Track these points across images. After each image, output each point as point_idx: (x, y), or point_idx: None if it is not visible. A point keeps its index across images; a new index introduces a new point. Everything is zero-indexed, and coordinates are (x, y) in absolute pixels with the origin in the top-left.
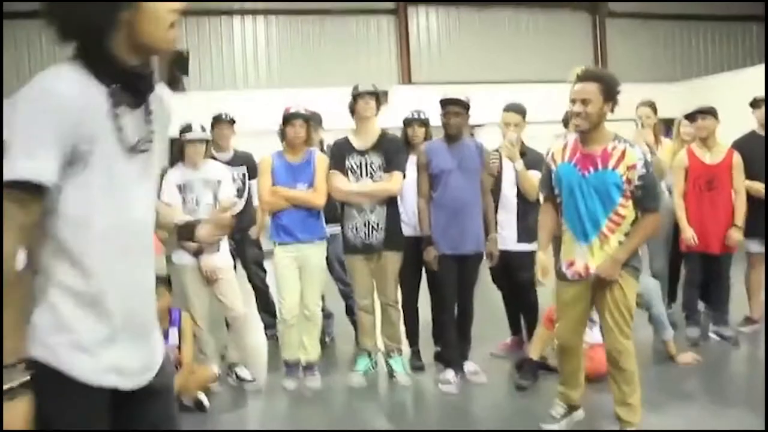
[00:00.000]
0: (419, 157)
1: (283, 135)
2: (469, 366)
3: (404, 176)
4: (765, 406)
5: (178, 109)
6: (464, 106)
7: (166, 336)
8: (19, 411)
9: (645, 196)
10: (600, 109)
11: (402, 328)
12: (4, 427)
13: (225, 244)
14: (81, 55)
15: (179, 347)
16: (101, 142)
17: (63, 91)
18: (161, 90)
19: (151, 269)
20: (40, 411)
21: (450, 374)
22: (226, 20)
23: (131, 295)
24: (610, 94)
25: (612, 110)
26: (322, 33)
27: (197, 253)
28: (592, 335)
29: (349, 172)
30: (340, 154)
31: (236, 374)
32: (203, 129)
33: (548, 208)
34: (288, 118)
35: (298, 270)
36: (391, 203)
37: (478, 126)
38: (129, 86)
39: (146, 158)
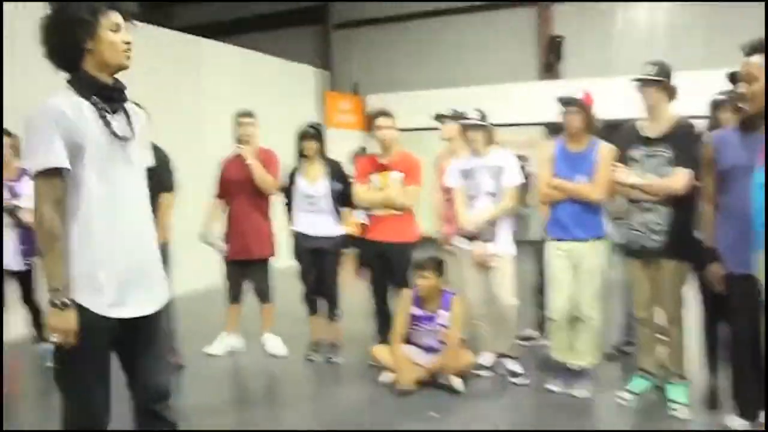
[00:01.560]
0: (704, 149)
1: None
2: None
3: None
4: (765, 405)
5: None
6: None
7: (432, 318)
8: (71, 316)
9: None
10: None
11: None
12: (61, 325)
13: (507, 233)
14: (69, 81)
15: (448, 328)
16: (90, 134)
17: (57, 106)
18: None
19: (145, 230)
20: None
21: (739, 422)
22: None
23: (126, 249)
24: None
25: None
26: None
27: (473, 239)
28: None
29: (632, 164)
30: (623, 142)
31: (506, 366)
32: (483, 116)
33: None
34: (563, 104)
35: (572, 269)
36: (678, 204)
37: None
38: (105, 96)
39: (129, 147)
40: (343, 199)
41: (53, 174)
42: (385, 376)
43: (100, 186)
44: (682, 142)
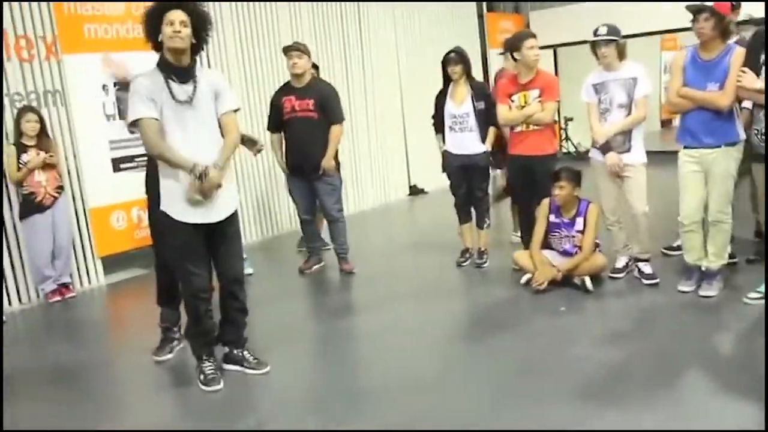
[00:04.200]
0: None
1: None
2: None
3: None
4: (765, 405)
5: None
6: None
7: (569, 224)
8: (220, 174)
9: None
10: None
11: None
12: (207, 186)
13: (639, 143)
14: (157, 62)
15: (582, 233)
16: (165, 99)
17: (143, 80)
18: (208, 74)
19: (211, 161)
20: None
21: None
22: None
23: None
24: None
25: None
26: None
27: (606, 150)
28: None
29: (764, 69)
30: (757, 47)
31: (639, 269)
32: (610, 32)
33: None
34: (693, 10)
35: (702, 174)
36: None
37: None
38: (176, 73)
39: (193, 107)
40: (487, 117)
41: (148, 120)
42: (525, 278)
43: (175, 131)
44: None
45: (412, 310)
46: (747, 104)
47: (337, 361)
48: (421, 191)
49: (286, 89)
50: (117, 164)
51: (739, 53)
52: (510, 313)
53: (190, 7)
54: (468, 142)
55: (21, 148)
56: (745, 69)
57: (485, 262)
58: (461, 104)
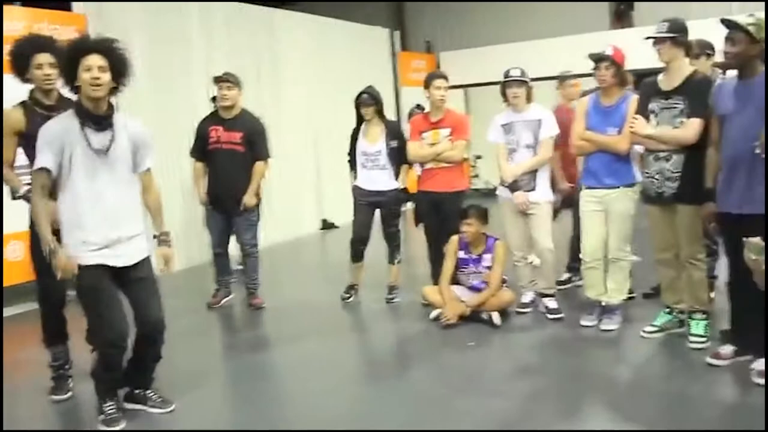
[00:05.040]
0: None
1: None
2: None
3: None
4: (765, 405)
5: None
6: None
7: (477, 261)
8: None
9: None
10: None
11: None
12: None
13: (545, 182)
14: (74, 106)
15: (490, 269)
16: (78, 146)
17: (52, 125)
18: (125, 121)
19: (119, 211)
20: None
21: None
22: None
23: (103, 224)
24: None
25: None
26: None
27: (513, 189)
28: None
29: (651, 116)
30: (644, 95)
31: (544, 304)
32: (522, 74)
33: None
34: (594, 60)
35: (603, 213)
36: (692, 151)
37: None
38: (93, 120)
39: (108, 157)
40: (399, 156)
41: (43, 171)
42: (434, 313)
43: (83, 180)
44: (693, 93)
45: (322, 345)
46: (639, 148)
47: (245, 400)
48: (333, 225)
49: (213, 119)
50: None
51: (633, 100)
52: (419, 348)
53: (110, 51)
54: (380, 178)
55: None
56: (637, 116)
57: (395, 297)
58: (374, 143)
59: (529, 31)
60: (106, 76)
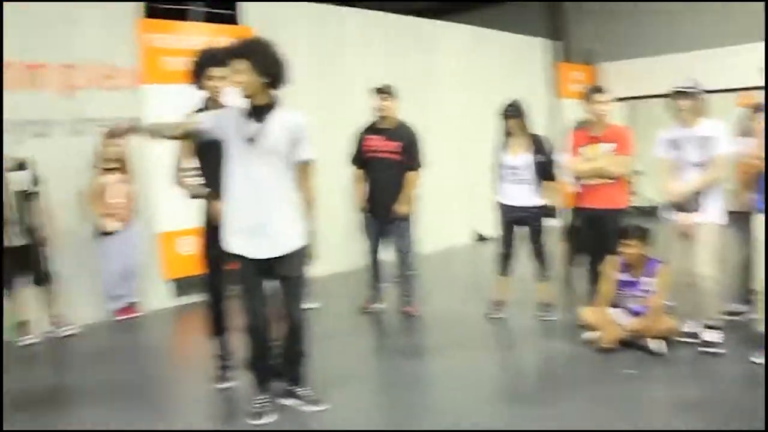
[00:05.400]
0: None
1: None
2: None
3: None
4: (765, 406)
5: None
6: None
7: (637, 284)
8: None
9: None
10: None
11: None
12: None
13: (715, 204)
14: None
15: (652, 294)
16: (233, 134)
17: (221, 111)
18: (283, 113)
19: (270, 199)
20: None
21: None
22: None
23: (249, 213)
24: None
25: None
26: None
27: (679, 209)
28: None
29: None
30: None
31: (705, 335)
32: (691, 84)
33: None
34: None
35: None
36: None
37: None
38: (250, 112)
39: (259, 146)
40: (543, 171)
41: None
42: (589, 334)
43: (238, 167)
44: None
45: (470, 358)
46: None
47: (391, 406)
48: (485, 237)
49: (372, 128)
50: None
51: None
52: (571, 371)
53: (248, 53)
54: (521, 194)
55: (102, 171)
56: None
57: (548, 315)
58: (517, 156)
59: (699, 40)
60: (247, 79)
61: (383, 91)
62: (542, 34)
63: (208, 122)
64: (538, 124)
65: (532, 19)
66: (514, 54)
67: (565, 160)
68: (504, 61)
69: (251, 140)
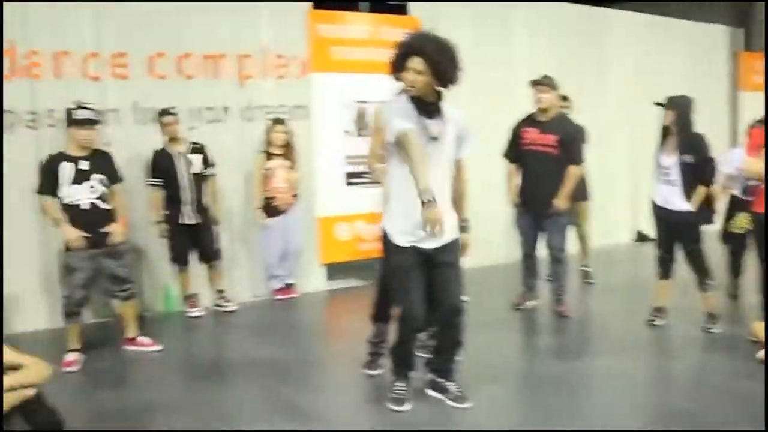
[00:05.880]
0: None
1: None
2: None
3: None
4: (765, 406)
5: None
6: None
7: None
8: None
9: None
10: None
11: None
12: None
13: None
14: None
15: None
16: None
17: (398, 105)
18: (451, 111)
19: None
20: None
21: None
22: None
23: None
24: None
25: None
26: None
27: None
28: None
29: None
30: None
31: None
32: None
33: None
34: None
35: None
36: None
37: None
38: (425, 108)
39: (440, 144)
40: (692, 173)
41: (408, 133)
42: (761, 353)
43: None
44: None
45: (622, 363)
46: None
47: (535, 407)
48: (647, 238)
49: (529, 121)
50: (349, 178)
51: None
52: (740, 395)
53: (430, 56)
54: (670, 195)
55: (268, 156)
56: None
57: (713, 327)
58: (669, 155)
59: None
60: (421, 79)
61: (541, 83)
62: (726, 21)
63: (405, 122)
64: (718, 120)
65: (716, 5)
66: (693, 43)
67: (742, 160)
68: (681, 51)
69: (434, 138)
